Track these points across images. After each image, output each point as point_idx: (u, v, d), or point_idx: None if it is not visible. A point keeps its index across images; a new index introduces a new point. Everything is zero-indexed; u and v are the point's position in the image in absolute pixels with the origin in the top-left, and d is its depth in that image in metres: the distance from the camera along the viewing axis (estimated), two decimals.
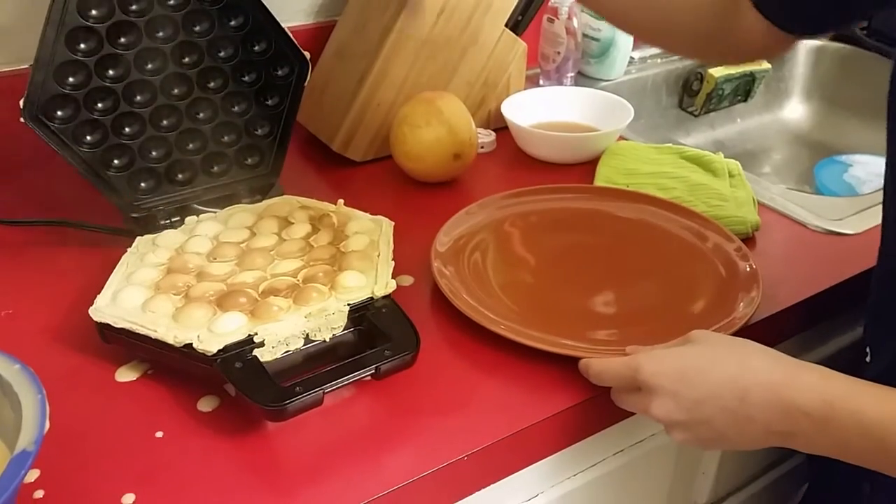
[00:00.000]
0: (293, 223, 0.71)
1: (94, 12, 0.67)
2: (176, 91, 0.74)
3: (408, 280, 0.70)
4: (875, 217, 0.82)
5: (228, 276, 0.64)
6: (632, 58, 1.20)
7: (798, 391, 0.48)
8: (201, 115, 0.75)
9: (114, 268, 0.65)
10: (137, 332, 0.57)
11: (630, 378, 0.53)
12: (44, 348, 0.63)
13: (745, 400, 0.48)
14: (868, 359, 0.64)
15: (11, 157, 0.84)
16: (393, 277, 0.63)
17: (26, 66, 0.66)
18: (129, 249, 0.68)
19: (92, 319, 0.59)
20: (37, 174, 0.84)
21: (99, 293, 0.61)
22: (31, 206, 0.80)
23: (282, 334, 0.57)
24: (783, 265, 0.75)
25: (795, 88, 1.39)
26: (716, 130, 1.33)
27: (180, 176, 0.76)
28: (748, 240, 0.77)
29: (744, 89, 1.29)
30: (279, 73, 0.76)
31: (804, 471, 0.86)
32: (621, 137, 0.96)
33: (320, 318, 0.59)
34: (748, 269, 0.69)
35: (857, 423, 0.46)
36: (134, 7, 0.69)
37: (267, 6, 0.74)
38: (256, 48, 0.75)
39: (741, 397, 0.48)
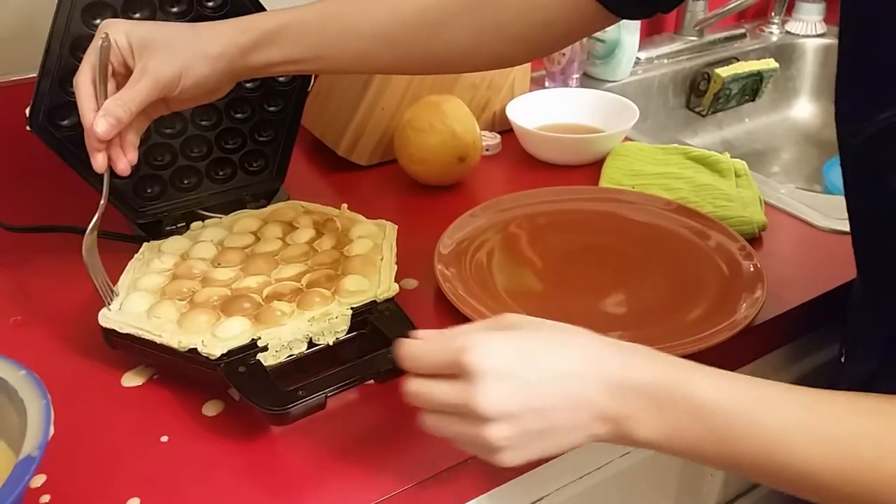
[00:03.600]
0: (297, 228, 0.71)
1: (98, 20, 0.67)
2: None
3: (412, 283, 0.70)
4: None
5: (233, 281, 0.64)
6: (638, 58, 1.20)
7: (634, 370, 0.45)
8: (205, 121, 0.76)
9: (120, 274, 0.65)
10: (142, 337, 0.58)
11: (451, 362, 0.45)
12: (51, 354, 0.63)
13: (582, 377, 0.45)
14: None
15: (19, 164, 0.85)
16: (397, 281, 0.63)
17: (34, 75, 0.66)
18: (135, 256, 0.68)
19: (98, 325, 0.59)
20: (44, 182, 0.85)
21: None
22: (39, 213, 0.81)
23: (285, 338, 0.57)
24: (790, 265, 0.74)
25: (804, 87, 1.38)
26: (724, 130, 1.32)
27: (185, 182, 0.77)
28: (755, 240, 0.77)
29: (751, 89, 1.28)
30: (282, 79, 0.77)
31: None
32: (628, 138, 0.96)
33: (323, 322, 0.59)
34: (752, 269, 0.68)
35: (688, 402, 0.44)
36: (138, 15, 0.69)
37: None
38: None
39: (577, 374, 0.45)
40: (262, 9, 0.73)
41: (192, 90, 0.61)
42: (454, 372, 0.45)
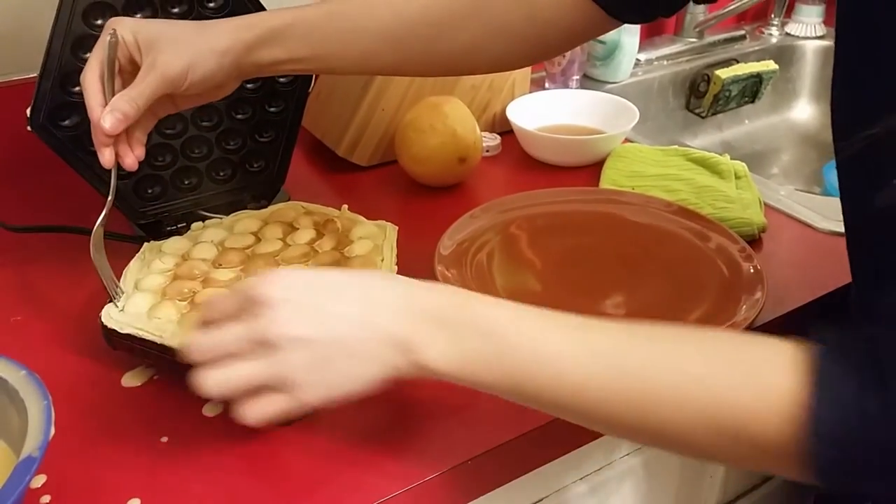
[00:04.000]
0: (298, 229, 0.71)
1: (99, 21, 0.68)
2: None
3: None
4: None
5: (233, 281, 0.64)
6: (638, 60, 1.20)
7: (427, 298, 0.46)
8: (206, 121, 0.76)
9: (121, 274, 0.65)
10: (143, 337, 0.58)
11: (243, 299, 0.45)
12: (51, 354, 0.63)
13: (375, 305, 0.45)
14: None
15: (19, 164, 0.85)
16: None
17: (34, 75, 0.66)
18: (135, 256, 0.68)
19: (99, 326, 0.59)
20: (45, 181, 0.85)
21: (106, 300, 0.61)
22: (39, 213, 0.81)
23: None
24: (790, 267, 0.74)
25: (803, 89, 1.38)
26: (723, 132, 1.33)
27: (186, 182, 0.77)
28: (755, 242, 0.77)
29: (751, 90, 1.28)
30: (282, 79, 0.77)
31: None
32: (627, 140, 0.96)
33: None
34: (752, 271, 0.68)
35: (476, 325, 0.44)
36: (139, 15, 0.69)
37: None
38: None
39: (371, 302, 0.46)
40: (262, 10, 0.73)
41: (199, 86, 0.61)
42: (246, 308, 0.45)
